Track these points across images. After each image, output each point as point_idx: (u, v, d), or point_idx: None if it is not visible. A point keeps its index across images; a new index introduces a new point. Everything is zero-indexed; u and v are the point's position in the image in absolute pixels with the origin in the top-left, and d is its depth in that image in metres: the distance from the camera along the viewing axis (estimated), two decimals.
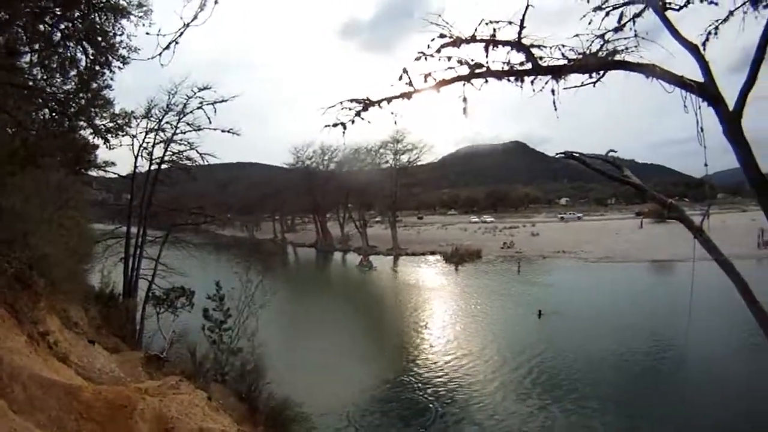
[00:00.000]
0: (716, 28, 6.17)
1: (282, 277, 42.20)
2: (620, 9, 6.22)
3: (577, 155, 9.01)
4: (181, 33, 5.01)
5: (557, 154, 9.18)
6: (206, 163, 25.65)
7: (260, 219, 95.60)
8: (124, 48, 13.09)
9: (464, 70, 5.56)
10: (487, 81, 5.62)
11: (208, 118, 23.13)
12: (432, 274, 51.36)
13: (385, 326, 29.76)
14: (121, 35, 12.89)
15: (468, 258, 57.73)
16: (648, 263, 52.17)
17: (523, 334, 27.67)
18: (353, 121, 5.66)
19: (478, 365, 22.71)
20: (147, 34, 5.36)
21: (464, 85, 5.62)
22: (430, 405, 18.41)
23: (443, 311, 34.27)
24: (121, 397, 8.00)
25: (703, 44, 6.25)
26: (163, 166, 24.79)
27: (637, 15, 6.23)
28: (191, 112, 23.69)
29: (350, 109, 5.68)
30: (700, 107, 6.81)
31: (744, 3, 5.88)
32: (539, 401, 18.90)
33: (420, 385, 20.37)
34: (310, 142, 76.86)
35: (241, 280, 17.49)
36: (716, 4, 5.87)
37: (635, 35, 6.19)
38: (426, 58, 5.50)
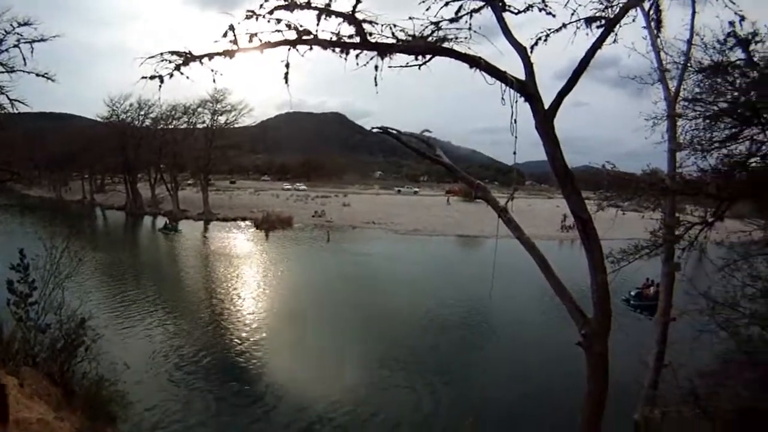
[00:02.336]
0: (547, 36, 6.69)
1: (87, 244, 37.63)
2: (460, 2, 6.48)
3: (394, 131, 9.51)
4: None
5: (374, 128, 9.62)
6: (16, 111, 21.33)
7: (69, 178, 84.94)
8: None
9: (292, 35, 5.47)
10: (311, 48, 5.60)
11: (24, 59, 19.13)
12: (241, 240, 49.84)
13: (190, 296, 28.15)
14: None
15: (279, 225, 57.20)
16: (455, 237, 56.08)
17: (328, 300, 28.56)
18: (172, 75, 5.31)
19: (284, 334, 22.65)
20: None
21: (289, 50, 5.54)
22: (242, 372, 18.18)
23: (248, 280, 33.30)
24: None
25: (532, 48, 6.88)
26: None
27: (476, 11, 6.55)
28: (6, 50, 19.37)
29: (170, 62, 5.32)
30: (517, 102, 7.75)
31: (579, 20, 6.54)
32: (345, 367, 19.58)
33: (231, 351, 19.91)
34: (128, 94, 68.68)
35: (46, 247, 15.36)
36: (553, 15, 6.43)
37: (469, 28, 6.49)
38: (257, 18, 5.30)
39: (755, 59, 7.33)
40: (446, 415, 16.04)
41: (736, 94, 7.58)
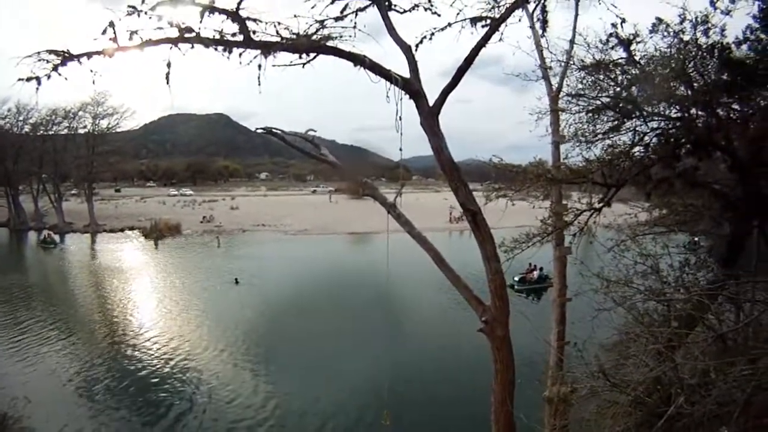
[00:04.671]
0: (432, 34, 6.94)
1: None
2: (345, 0, 6.53)
3: (278, 131, 9.27)
4: None
5: (258, 128, 9.32)
6: None
7: None
8: None
9: (174, 33, 5.27)
10: (193, 47, 5.41)
11: None
12: (131, 252, 48.04)
13: (84, 315, 26.30)
14: None
15: (168, 233, 56.34)
16: (346, 235, 57.54)
17: (224, 302, 29.06)
18: (49, 76, 4.99)
19: (183, 339, 22.64)
20: None
21: (171, 48, 5.32)
22: (150, 385, 17.63)
23: (142, 291, 32.37)
24: None
25: (416, 46, 7.02)
26: None
27: (361, 9, 6.63)
28: None
29: (47, 61, 4.97)
30: (402, 99, 7.85)
31: (464, 19, 6.85)
32: (245, 363, 20.03)
33: (135, 367, 19.36)
34: (6, 98, 61.33)
35: None
36: (438, 15, 6.65)
37: (354, 26, 6.53)
38: (138, 15, 5.02)
39: (636, 58, 8.12)
40: (357, 404, 16.50)
41: (618, 89, 8.33)
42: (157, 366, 19.32)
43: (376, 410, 15.52)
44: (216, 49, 5.53)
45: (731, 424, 3.91)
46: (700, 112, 7.99)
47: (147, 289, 32.60)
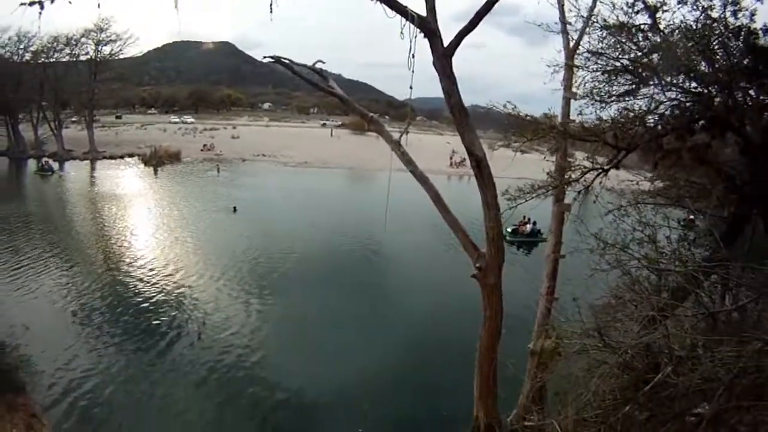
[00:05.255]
0: None
1: None
2: None
3: (286, 61, 9.05)
4: None
5: (265, 57, 9.07)
6: None
7: None
8: None
9: None
10: None
11: None
12: (129, 178, 47.63)
13: (83, 244, 26.19)
14: None
15: (167, 160, 55.89)
16: (346, 170, 57.29)
17: (220, 230, 29.29)
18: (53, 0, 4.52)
19: (178, 266, 22.84)
20: None
21: None
22: (150, 320, 17.63)
23: (139, 218, 32.31)
24: None
25: None
26: None
27: None
28: None
29: None
30: (416, 37, 7.61)
31: None
32: (238, 292, 20.32)
33: (135, 299, 19.21)
34: (6, 26, 58.89)
35: None
36: None
37: None
38: None
39: (660, 26, 7.86)
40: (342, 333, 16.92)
41: (638, 54, 8.09)
42: (152, 293, 19.51)
43: (362, 345, 16.17)
44: None
45: (714, 401, 4.07)
46: (718, 91, 7.84)
47: (144, 217, 32.55)
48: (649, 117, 8.11)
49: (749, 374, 4.09)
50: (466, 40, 7.65)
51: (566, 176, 9.59)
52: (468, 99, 8.69)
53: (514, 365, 9.46)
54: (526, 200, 9.79)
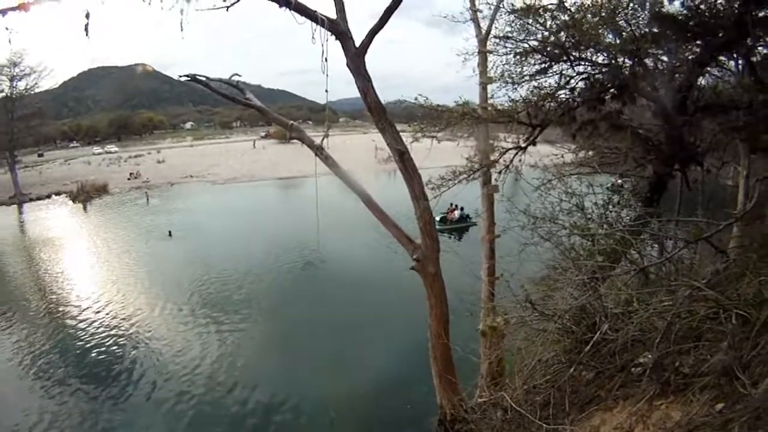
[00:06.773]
0: None
1: None
2: None
3: (202, 78, 8.81)
4: None
5: (181, 76, 8.80)
6: None
7: None
8: None
9: None
10: None
11: None
12: (59, 218, 45.13)
13: (13, 291, 24.76)
14: None
15: (95, 194, 53.95)
16: (274, 180, 57.22)
17: (158, 257, 28.90)
18: None
19: (121, 302, 22.10)
20: None
21: None
22: (83, 356, 17.17)
23: (75, 259, 30.69)
24: None
25: None
26: None
27: None
28: None
29: None
30: (327, 40, 7.59)
31: None
32: (182, 318, 20.00)
33: (68, 339, 18.60)
34: None
35: None
36: None
37: None
38: None
39: (566, 4, 8.26)
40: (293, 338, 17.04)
41: (546, 34, 8.47)
42: (102, 335, 18.74)
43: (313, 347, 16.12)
44: None
45: (653, 349, 4.34)
46: (627, 60, 8.29)
47: (81, 257, 31.04)
48: (561, 92, 8.53)
49: (684, 319, 4.39)
50: (383, 37, 7.72)
51: (487, 159, 9.90)
52: (389, 95, 8.79)
53: (467, 347, 9.67)
54: (449, 187, 10.06)
